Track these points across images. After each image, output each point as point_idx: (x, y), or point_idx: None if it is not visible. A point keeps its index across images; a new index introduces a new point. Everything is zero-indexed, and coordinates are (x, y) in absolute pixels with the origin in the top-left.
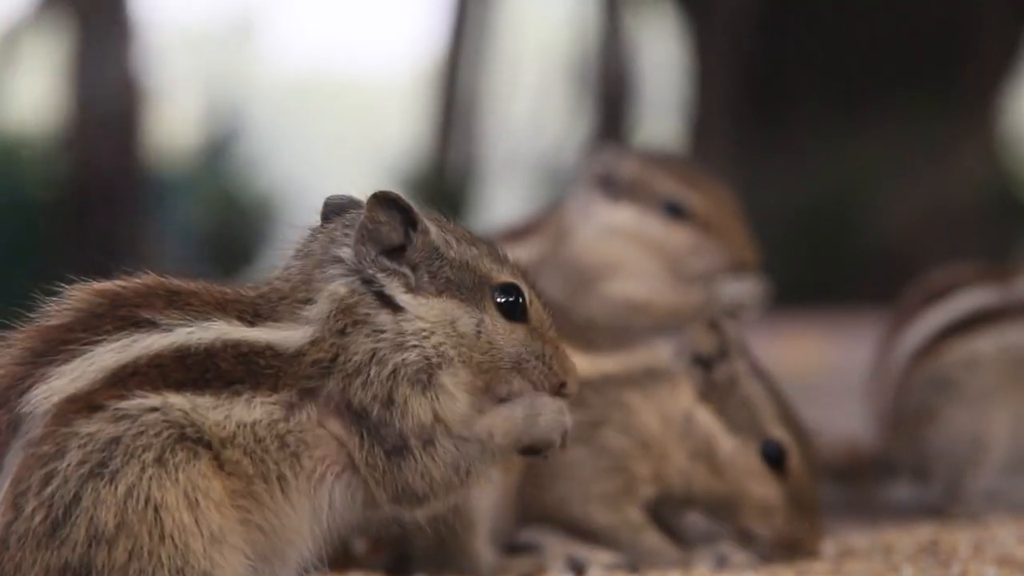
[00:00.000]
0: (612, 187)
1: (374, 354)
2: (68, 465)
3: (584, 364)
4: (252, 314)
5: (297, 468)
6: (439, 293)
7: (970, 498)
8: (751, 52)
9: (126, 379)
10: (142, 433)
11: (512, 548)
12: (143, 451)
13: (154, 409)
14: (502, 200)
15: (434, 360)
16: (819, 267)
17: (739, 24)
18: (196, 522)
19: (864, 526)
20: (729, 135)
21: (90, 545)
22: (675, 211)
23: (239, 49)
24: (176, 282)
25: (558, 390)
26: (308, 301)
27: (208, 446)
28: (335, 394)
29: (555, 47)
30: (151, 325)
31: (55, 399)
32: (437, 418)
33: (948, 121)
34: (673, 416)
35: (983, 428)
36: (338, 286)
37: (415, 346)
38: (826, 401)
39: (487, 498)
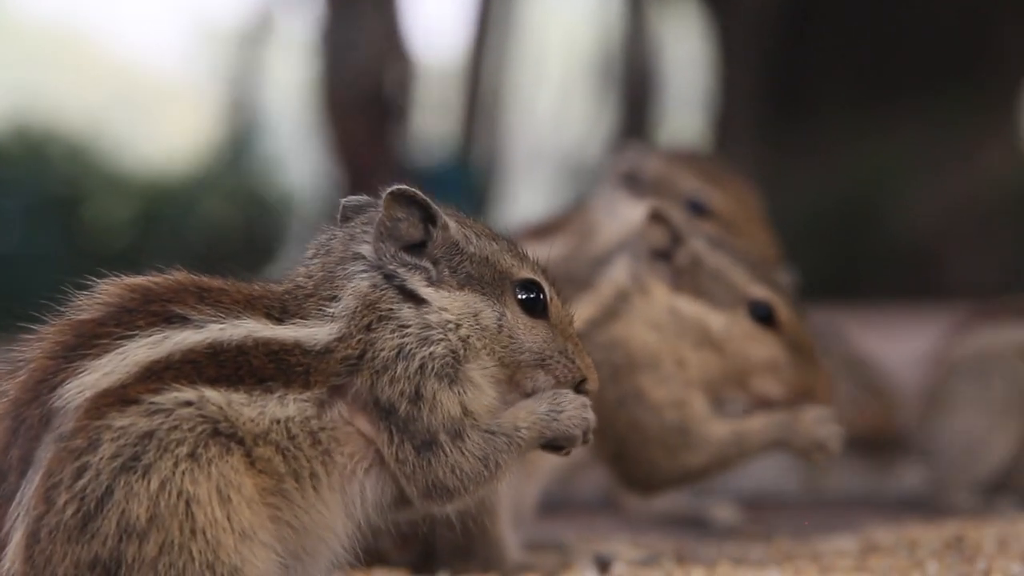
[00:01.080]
0: (637, 185)
1: (400, 349)
2: (101, 458)
3: None
4: (280, 311)
5: (329, 465)
6: (460, 287)
7: (955, 496)
8: (775, 49)
9: (160, 374)
10: (176, 427)
11: (538, 545)
12: (176, 445)
13: (189, 403)
14: (525, 196)
15: (461, 352)
16: (843, 263)
17: (763, 21)
18: (228, 518)
19: (889, 521)
20: (753, 132)
21: (121, 539)
22: (698, 209)
23: (262, 46)
24: (205, 279)
25: (579, 386)
26: (333, 298)
27: (241, 442)
28: (363, 391)
29: (579, 43)
30: (183, 321)
31: (88, 394)
32: (466, 411)
33: (972, 119)
34: (660, 319)
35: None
36: (360, 282)
37: (441, 339)
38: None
39: (507, 486)
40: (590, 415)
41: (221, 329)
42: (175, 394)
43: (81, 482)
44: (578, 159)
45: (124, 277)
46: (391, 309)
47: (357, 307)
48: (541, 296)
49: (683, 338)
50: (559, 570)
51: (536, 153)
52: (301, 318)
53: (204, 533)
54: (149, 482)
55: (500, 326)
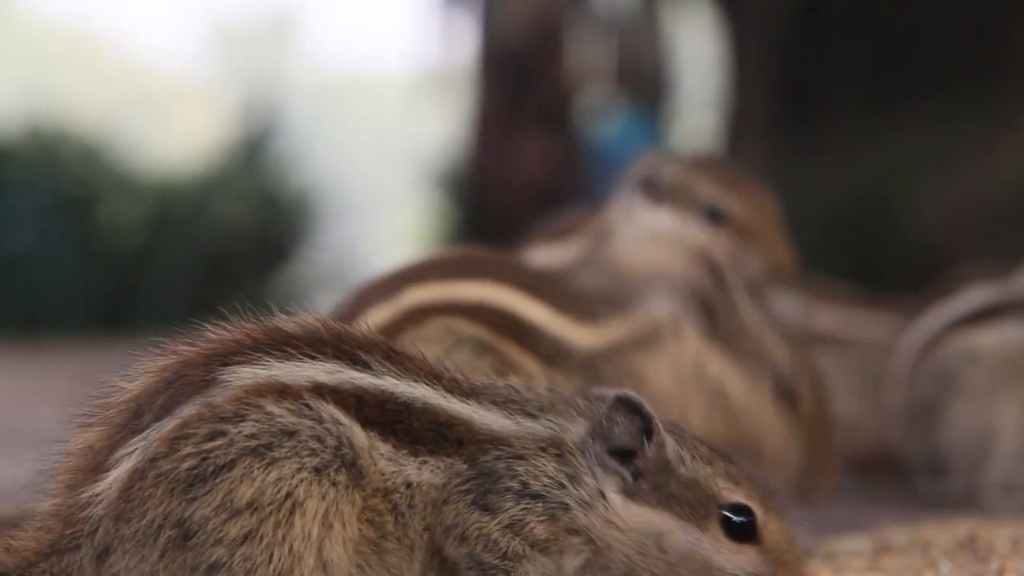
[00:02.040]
0: (654, 190)
1: (526, 513)
2: (239, 432)
3: (591, 336)
4: (466, 393)
5: (426, 539)
6: (656, 505)
7: (987, 491)
8: (787, 48)
9: (325, 395)
10: (318, 437)
11: None
12: (310, 454)
13: (342, 424)
14: None
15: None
16: (855, 262)
17: (776, 21)
18: (321, 542)
19: (902, 521)
20: (765, 131)
21: (216, 511)
22: (715, 215)
23: (276, 46)
24: (398, 345)
25: None
26: (530, 416)
27: (365, 489)
28: (481, 486)
29: (592, 42)
30: (364, 366)
31: (255, 381)
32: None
33: (986, 117)
34: (684, 367)
35: (991, 421)
36: (560, 437)
37: (573, 529)
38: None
39: None
40: None
41: (396, 384)
42: (334, 411)
43: (210, 444)
44: None
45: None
46: (568, 487)
47: (546, 440)
48: (751, 520)
49: (699, 392)
50: None
51: None
52: (488, 404)
53: (292, 544)
54: (268, 474)
55: (692, 549)
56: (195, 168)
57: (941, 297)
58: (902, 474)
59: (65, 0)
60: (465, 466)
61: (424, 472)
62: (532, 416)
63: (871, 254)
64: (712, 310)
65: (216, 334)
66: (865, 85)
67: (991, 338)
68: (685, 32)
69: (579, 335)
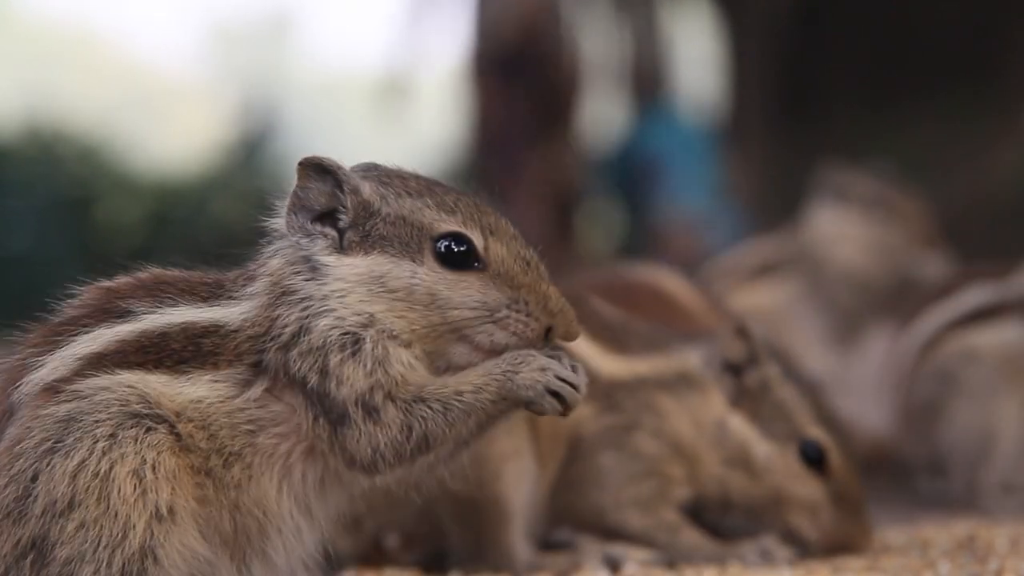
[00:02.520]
0: None
1: (302, 323)
2: (31, 443)
3: (617, 365)
4: (215, 295)
5: (254, 444)
6: (368, 251)
7: (987, 491)
8: (788, 49)
9: (94, 364)
10: (95, 411)
11: (548, 545)
12: (96, 426)
13: (105, 388)
14: None
15: (353, 321)
16: None
17: (775, 21)
18: (143, 495)
19: (901, 521)
20: (765, 132)
21: (49, 517)
22: None
23: (275, 46)
24: (171, 273)
25: (545, 335)
26: (252, 278)
27: (163, 421)
28: (279, 368)
29: (590, 43)
30: (127, 314)
31: (35, 388)
32: (375, 384)
33: (986, 118)
34: (705, 423)
35: (991, 421)
36: (272, 259)
37: (333, 310)
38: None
39: (522, 492)
40: (549, 377)
41: (155, 318)
42: (95, 380)
43: (16, 466)
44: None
45: (102, 280)
46: (294, 283)
47: (267, 284)
48: (464, 248)
49: (716, 448)
50: (570, 570)
51: None
52: (227, 299)
53: (116, 510)
54: (70, 463)
55: (413, 286)
56: (194, 168)
57: (941, 297)
58: (902, 474)
59: (65, 0)
60: (247, 373)
61: (200, 388)
62: (253, 277)
63: None
64: (741, 376)
65: (9, 360)
66: (865, 85)
67: (991, 338)
68: (683, 33)
69: (605, 362)
